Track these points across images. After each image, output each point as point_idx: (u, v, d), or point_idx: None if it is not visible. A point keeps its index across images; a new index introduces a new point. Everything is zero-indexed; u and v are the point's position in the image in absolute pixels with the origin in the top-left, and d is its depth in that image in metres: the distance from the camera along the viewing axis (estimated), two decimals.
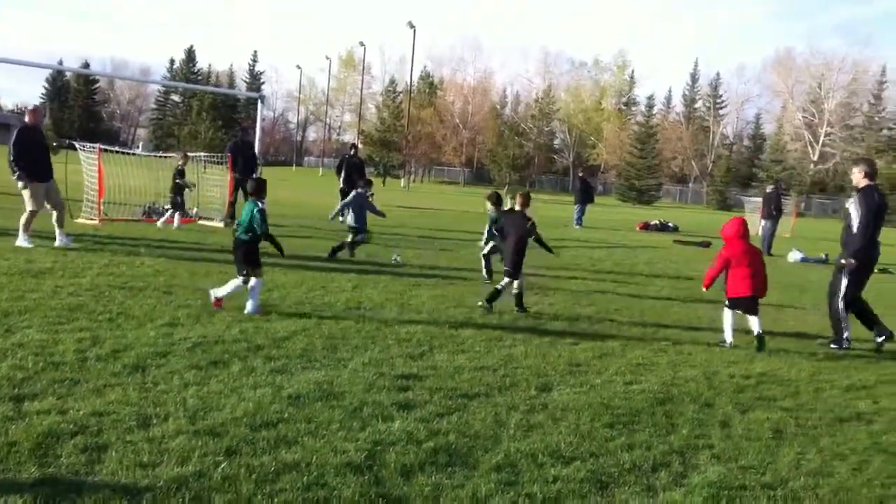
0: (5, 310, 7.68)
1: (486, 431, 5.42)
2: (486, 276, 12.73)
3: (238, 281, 8.80)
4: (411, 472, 4.63)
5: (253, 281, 8.77)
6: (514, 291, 10.46)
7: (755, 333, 9.14)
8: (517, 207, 11.28)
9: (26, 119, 13.00)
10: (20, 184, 12.46)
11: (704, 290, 9.90)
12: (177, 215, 16.60)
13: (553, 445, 5.25)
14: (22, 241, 12.09)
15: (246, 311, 8.60)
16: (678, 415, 6.22)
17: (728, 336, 9.31)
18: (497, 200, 12.96)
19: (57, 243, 12.15)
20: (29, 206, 12.36)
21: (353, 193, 14.55)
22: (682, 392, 6.90)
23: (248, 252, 8.91)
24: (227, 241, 14.32)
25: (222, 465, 4.44)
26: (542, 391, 6.55)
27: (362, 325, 8.53)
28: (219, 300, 8.74)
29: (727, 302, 9.47)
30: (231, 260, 9.60)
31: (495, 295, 10.28)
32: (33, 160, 12.46)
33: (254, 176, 19.98)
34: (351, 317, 8.91)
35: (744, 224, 9.58)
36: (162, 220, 16.72)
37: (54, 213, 12.43)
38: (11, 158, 12.36)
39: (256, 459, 4.58)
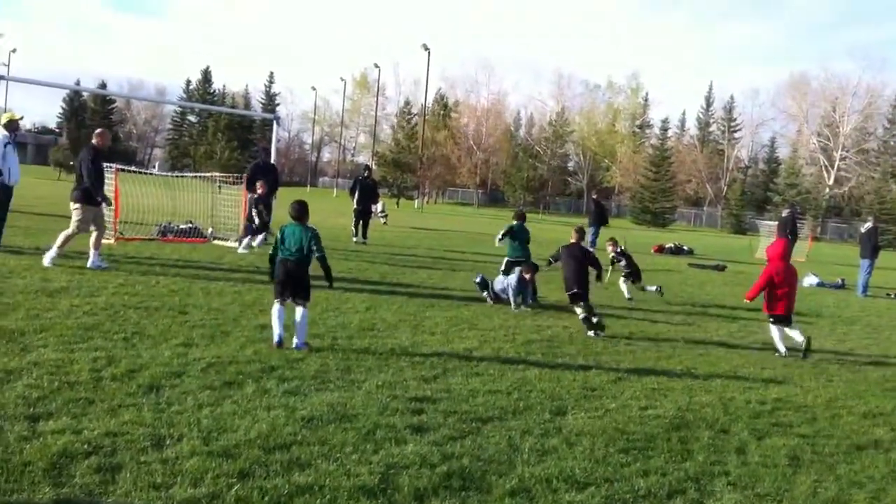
0: (21, 328, 7.71)
1: (500, 456, 5.40)
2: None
3: (279, 308, 8.23)
4: (425, 496, 4.61)
5: (303, 310, 8.27)
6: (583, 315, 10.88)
7: (801, 341, 10.41)
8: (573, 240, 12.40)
9: (95, 142, 13.03)
10: (77, 205, 12.51)
11: (747, 300, 11.18)
12: (257, 238, 16.70)
13: (567, 470, 5.22)
14: (49, 260, 12.14)
15: (295, 344, 8.11)
16: (694, 441, 6.18)
17: (781, 347, 10.46)
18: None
19: (89, 264, 12.15)
20: (73, 228, 12.44)
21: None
22: (698, 418, 6.86)
23: (302, 277, 8.37)
24: (240, 262, 14.39)
25: (235, 488, 4.43)
26: (556, 415, 6.52)
27: (376, 346, 8.52)
28: (280, 342, 8.09)
29: (770, 318, 10.76)
30: (244, 279, 9.62)
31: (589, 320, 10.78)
32: (101, 183, 12.75)
33: (273, 197, 20.12)
34: (365, 338, 8.91)
35: (787, 246, 11.14)
36: (245, 242, 16.70)
37: (94, 234, 12.44)
38: (88, 182, 12.44)
39: (270, 482, 4.57)
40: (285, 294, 8.27)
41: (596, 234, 29.79)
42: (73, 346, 7.27)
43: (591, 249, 28.29)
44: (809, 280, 22.05)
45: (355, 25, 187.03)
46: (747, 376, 8.87)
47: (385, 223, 33.02)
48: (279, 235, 8.44)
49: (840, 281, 22.23)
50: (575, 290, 11.28)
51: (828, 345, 11.77)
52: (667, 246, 32.13)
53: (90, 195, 12.51)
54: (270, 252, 8.67)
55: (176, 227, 18.26)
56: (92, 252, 12.31)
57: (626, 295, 14.49)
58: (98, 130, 13.69)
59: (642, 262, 24.47)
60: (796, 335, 10.58)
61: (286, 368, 7.20)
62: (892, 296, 20.51)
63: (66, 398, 5.69)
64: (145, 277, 11.71)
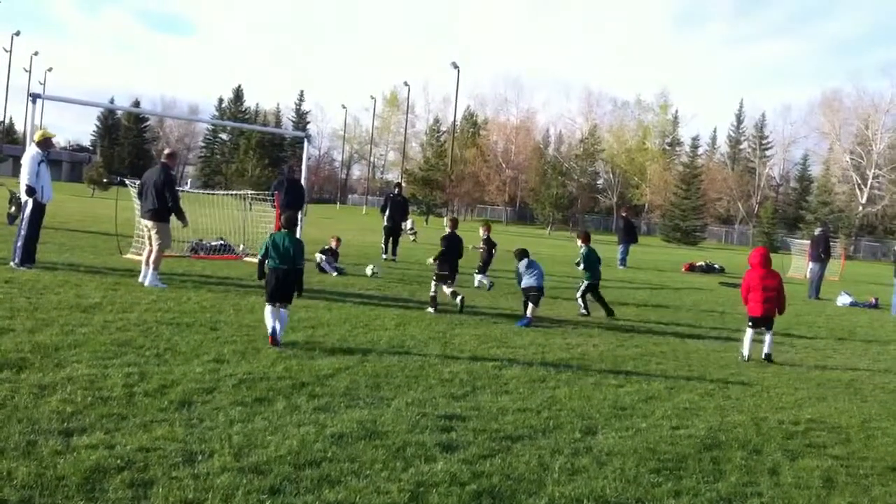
0: (56, 344, 7.80)
1: (530, 475, 5.38)
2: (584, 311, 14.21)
3: (271, 309, 8.99)
4: None
5: (282, 312, 9.10)
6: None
7: (765, 352, 10.98)
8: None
9: (166, 161, 13.54)
10: (157, 224, 12.83)
11: (746, 304, 11.43)
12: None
13: (598, 490, 5.19)
14: (155, 281, 12.45)
15: (277, 348, 8.73)
16: (726, 461, 6.12)
17: (745, 351, 11.02)
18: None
19: (148, 282, 12.43)
20: (159, 244, 12.75)
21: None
22: (730, 438, 6.79)
23: (290, 284, 9.19)
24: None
25: None
26: (586, 434, 6.49)
27: (405, 363, 8.53)
28: (275, 335, 8.85)
29: (749, 321, 11.19)
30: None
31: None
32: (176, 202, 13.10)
33: (301, 214, 20.23)
34: (394, 355, 8.92)
35: (766, 253, 11.41)
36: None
37: (152, 251, 12.72)
38: (174, 202, 12.94)
39: (300, 499, 4.58)
40: (274, 300, 9.00)
41: (626, 252, 29.68)
42: (106, 361, 7.34)
43: (622, 267, 28.28)
44: (842, 299, 21.80)
45: (385, 44, 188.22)
46: (780, 396, 8.78)
47: (415, 240, 33.12)
48: (270, 242, 9.18)
49: (873, 300, 21.94)
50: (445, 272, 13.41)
51: (861, 365, 11.62)
52: (697, 264, 31.93)
53: (163, 213, 12.89)
54: (260, 256, 9.35)
55: (207, 245, 18.41)
56: (150, 270, 12.49)
57: (476, 284, 15.54)
58: (168, 151, 14.20)
59: (672, 280, 24.34)
60: (766, 346, 11.07)
61: (316, 385, 7.22)
62: None
63: (99, 413, 5.75)
64: (177, 294, 11.82)
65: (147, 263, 12.65)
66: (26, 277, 11.92)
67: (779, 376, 9.98)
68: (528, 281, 13.03)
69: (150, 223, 12.92)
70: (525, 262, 13.46)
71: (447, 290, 13.47)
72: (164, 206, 12.85)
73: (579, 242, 15.15)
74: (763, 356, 10.98)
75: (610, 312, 14.26)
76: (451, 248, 13.86)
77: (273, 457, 5.20)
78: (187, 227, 13.76)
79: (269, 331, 8.85)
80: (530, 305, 12.64)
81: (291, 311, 9.68)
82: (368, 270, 14.39)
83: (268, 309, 9.01)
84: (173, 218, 13.10)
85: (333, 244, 17.89)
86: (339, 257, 17.90)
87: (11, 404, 5.76)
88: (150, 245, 12.80)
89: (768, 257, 11.40)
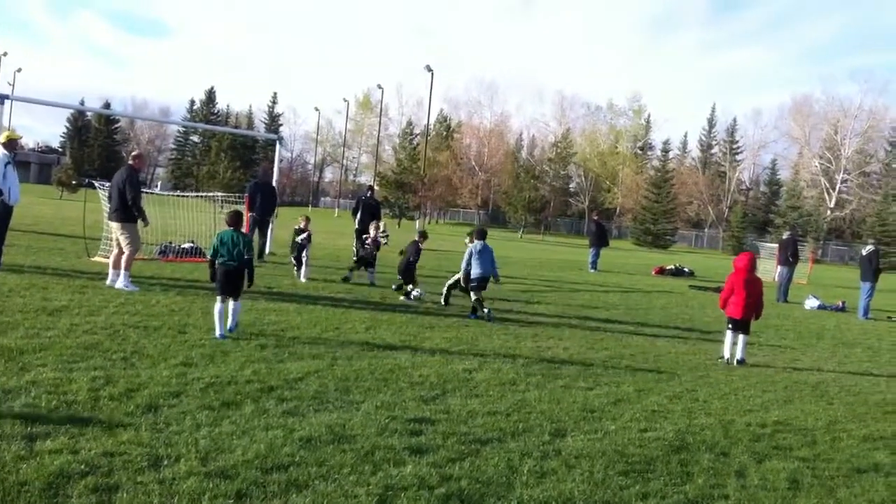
0: (20, 347, 7.70)
1: (499, 478, 5.38)
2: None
3: (220, 306, 9.46)
4: None
5: (235, 304, 9.70)
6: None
7: (738, 359, 11.14)
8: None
9: (132, 163, 13.35)
10: (124, 224, 12.71)
11: (721, 309, 11.68)
12: (303, 270, 16.50)
13: (566, 493, 5.20)
14: (126, 283, 12.31)
15: (228, 328, 9.54)
16: (693, 463, 6.16)
17: (726, 353, 11.28)
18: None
19: (118, 285, 12.31)
20: (130, 247, 12.60)
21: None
22: (698, 440, 6.83)
23: (239, 279, 9.78)
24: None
25: None
26: (555, 437, 6.50)
27: (375, 367, 8.51)
28: (224, 336, 9.33)
29: (728, 323, 11.38)
30: (243, 297, 9.65)
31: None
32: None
33: (273, 216, 20.15)
34: (364, 358, 8.90)
35: (753, 259, 11.73)
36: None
37: (116, 253, 12.64)
38: (134, 201, 12.74)
39: (267, 503, 4.55)
40: (225, 294, 9.53)
41: (597, 255, 29.80)
42: (72, 365, 7.25)
43: (593, 270, 28.39)
44: (810, 303, 22.03)
45: (359, 46, 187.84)
46: (747, 398, 8.85)
47: (386, 244, 33.01)
48: (217, 241, 9.75)
49: (841, 303, 22.19)
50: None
51: (828, 367, 11.75)
52: (668, 267, 32.13)
53: (129, 213, 12.75)
54: (210, 255, 9.84)
55: (177, 247, 18.25)
56: (122, 272, 12.39)
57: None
58: (135, 153, 14.05)
59: (642, 283, 24.47)
60: (739, 351, 11.21)
61: (285, 388, 7.18)
62: (893, 319, 20.48)
63: (63, 417, 5.68)
64: (145, 297, 11.71)
65: (114, 266, 12.53)
66: None
67: (746, 379, 10.06)
68: (476, 270, 13.40)
69: (115, 224, 12.82)
70: (479, 244, 13.68)
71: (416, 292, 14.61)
72: (127, 207, 12.74)
73: (467, 240, 14.41)
74: (736, 360, 11.11)
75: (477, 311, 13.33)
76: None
77: (240, 461, 5.16)
78: (148, 226, 13.58)
79: (218, 332, 9.29)
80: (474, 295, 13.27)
81: (261, 314, 9.63)
82: (416, 292, 14.01)
83: (217, 308, 9.41)
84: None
85: (303, 223, 17.36)
86: (311, 237, 17.42)
87: None
88: (118, 248, 12.67)
89: (755, 263, 11.75)
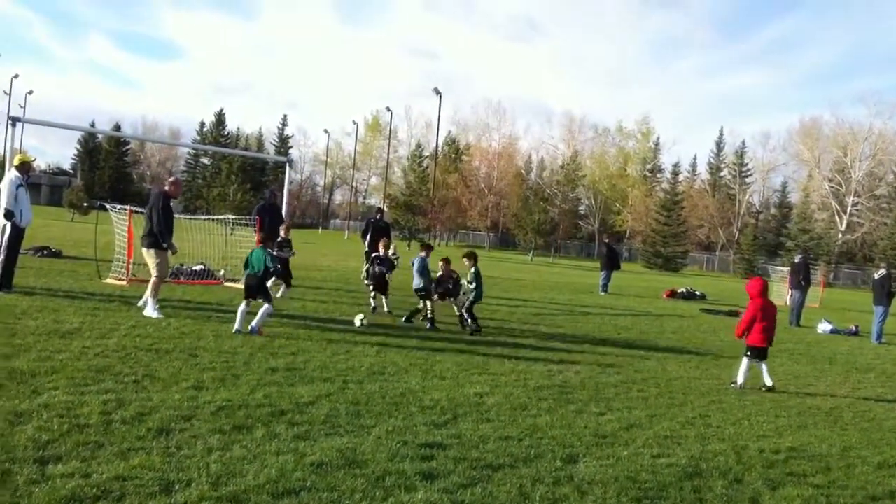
0: (33, 370, 7.72)
1: None
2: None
3: (243, 306, 11.59)
4: None
5: (265, 306, 11.63)
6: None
7: (767, 385, 11.06)
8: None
9: (167, 188, 13.10)
10: (151, 251, 12.61)
11: (737, 337, 11.74)
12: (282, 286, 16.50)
13: None
14: (152, 311, 12.16)
15: (249, 326, 11.34)
16: (707, 490, 6.11)
17: (740, 379, 11.16)
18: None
19: (146, 312, 12.18)
20: (157, 273, 12.49)
21: (416, 258, 14.94)
22: (711, 467, 6.78)
23: (261, 285, 11.91)
24: (252, 304, 14.40)
25: None
26: (567, 463, 6.46)
27: (386, 390, 8.49)
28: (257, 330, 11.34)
29: (747, 351, 11.40)
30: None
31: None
32: (170, 230, 12.80)
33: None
34: (375, 382, 8.88)
35: (766, 283, 11.91)
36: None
37: (153, 280, 12.50)
38: (159, 228, 12.57)
39: None
40: (248, 297, 11.79)
41: (608, 279, 29.74)
42: (83, 388, 7.26)
43: (603, 293, 28.33)
44: (823, 327, 21.91)
45: (368, 69, 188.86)
46: (761, 424, 8.78)
47: (396, 266, 33.01)
48: (249, 256, 12.07)
49: (854, 328, 22.08)
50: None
51: (842, 392, 11.67)
52: (679, 290, 32.03)
53: (156, 240, 12.61)
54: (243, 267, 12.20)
55: (188, 269, 18.30)
56: (149, 300, 12.30)
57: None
58: (172, 179, 13.74)
59: (653, 307, 24.38)
60: (766, 378, 11.17)
61: (296, 412, 7.17)
62: None
63: (75, 441, 5.67)
64: (157, 319, 11.72)
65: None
66: (3, 302, 11.83)
67: (759, 404, 9.99)
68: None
69: (145, 251, 12.72)
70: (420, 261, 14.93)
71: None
72: (153, 233, 12.57)
73: (467, 262, 14.93)
74: (767, 387, 11.04)
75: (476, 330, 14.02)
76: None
77: (251, 486, 5.14)
78: (175, 254, 13.57)
79: (236, 325, 11.35)
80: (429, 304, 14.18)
81: (272, 337, 9.64)
82: (357, 321, 14.02)
83: (241, 306, 11.58)
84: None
85: (283, 233, 17.14)
86: (291, 245, 17.31)
87: None
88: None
89: (767, 288, 11.89)
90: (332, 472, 5.61)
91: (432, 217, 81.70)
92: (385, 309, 15.48)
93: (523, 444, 6.90)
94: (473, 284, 14.43)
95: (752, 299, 11.49)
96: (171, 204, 13.08)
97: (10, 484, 4.77)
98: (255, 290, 11.84)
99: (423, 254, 15.35)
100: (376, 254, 16.89)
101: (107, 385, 7.47)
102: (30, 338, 9.34)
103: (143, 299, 12.57)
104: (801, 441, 8.14)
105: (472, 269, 14.53)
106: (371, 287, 16.08)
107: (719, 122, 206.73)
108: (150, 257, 12.65)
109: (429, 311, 14.38)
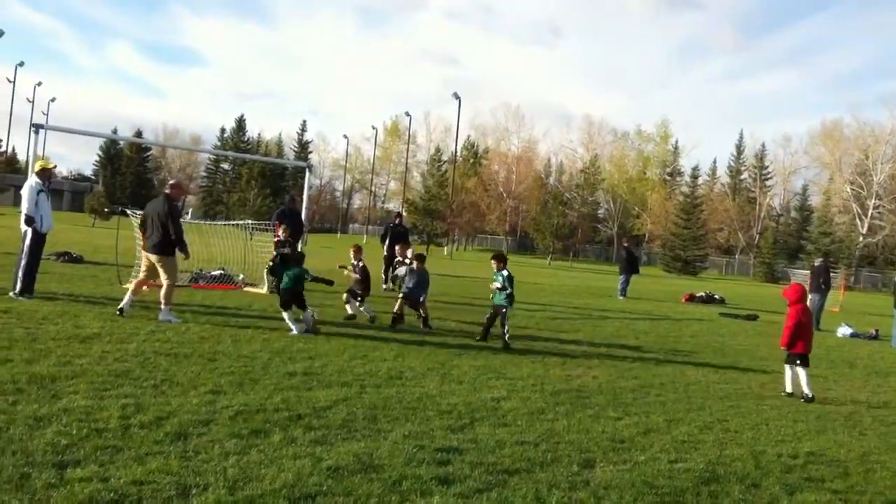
0: (53, 374, 7.79)
1: None
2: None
3: (286, 314, 12.35)
4: None
5: (304, 314, 12.39)
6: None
7: (806, 395, 10.73)
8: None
9: (170, 193, 13.11)
10: (162, 257, 12.60)
11: (783, 347, 11.36)
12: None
13: None
14: (168, 316, 12.23)
15: (293, 333, 11.92)
16: (724, 495, 6.07)
17: (788, 387, 11.10)
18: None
19: (161, 318, 12.21)
20: (169, 279, 12.53)
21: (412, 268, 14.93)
22: (728, 472, 6.75)
23: (296, 297, 12.54)
24: (270, 309, 14.48)
25: None
26: (584, 468, 6.44)
27: (403, 395, 8.50)
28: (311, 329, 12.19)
29: (797, 359, 11.10)
30: (274, 325, 9.71)
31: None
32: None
33: (300, 243, 20.25)
34: (392, 386, 8.90)
35: (804, 289, 11.72)
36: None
37: (165, 288, 12.52)
38: (178, 236, 12.66)
39: None
40: (284, 307, 12.48)
41: (626, 283, 29.64)
42: (102, 392, 7.32)
43: (622, 297, 28.24)
44: (843, 330, 21.74)
45: (387, 74, 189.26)
46: (779, 429, 8.73)
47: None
48: (282, 272, 12.84)
49: (874, 332, 21.89)
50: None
51: (861, 397, 11.58)
52: (698, 294, 31.90)
53: (169, 246, 12.63)
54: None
55: (207, 274, 18.41)
56: (163, 306, 12.34)
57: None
58: (172, 182, 13.69)
59: (672, 311, 24.28)
60: (806, 388, 10.84)
61: (313, 417, 7.20)
62: None
63: (94, 445, 5.72)
64: (175, 324, 11.80)
65: (134, 293, 12.52)
66: (25, 307, 11.94)
67: (777, 409, 9.93)
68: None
69: (155, 257, 12.65)
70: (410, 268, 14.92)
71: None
72: (168, 240, 12.60)
73: (495, 264, 13.81)
74: (808, 397, 10.73)
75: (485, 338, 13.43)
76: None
77: (268, 490, 5.16)
78: (188, 259, 13.68)
79: (294, 330, 12.07)
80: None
81: (291, 341, 9.69)
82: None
83: (287, 315, 12.38)
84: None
85: (282, 235, 16.64)
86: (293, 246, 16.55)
87: (6, 436, 5.74)
88: (145, 276, 12.73)
89: (806, 294, 11.79)
90: (348, 476, 5.63)
91: (451, 222, 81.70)
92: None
93: (540, 448, 6.89)
94: (508, 290, 13.50)
95: (792, 305, 11.33)
96: (175, 207, 13.16)
97: (28, 488, 4.81)
98: (292, 301, 12.47)
99: (418, 264, 15.04)
100: (398, 260, 16.86)
101: (126, 389, 7.53)
102: (50, 342, 9.43)
103: (126, 301, 12.35)
104: (820, 446, 8.08)
105: (505, 273, 13.65)
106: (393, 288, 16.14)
107: (739, 124, 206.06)
108: (160, 263, 12.64)
109: (421, 313, 14.51)
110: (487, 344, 13.06)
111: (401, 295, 14.73)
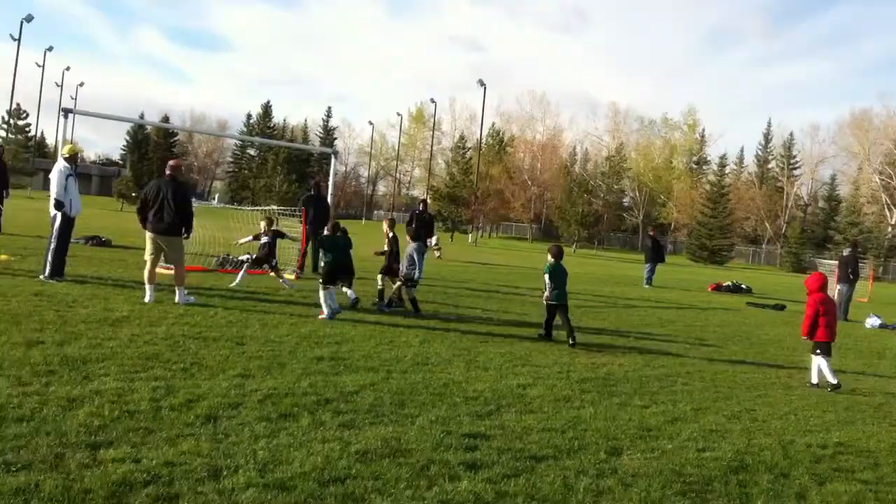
0: (84, 357, 7.88)
1: (555, 495, 5.34)
2: None
3: (323, 292, 12.23)
4: None
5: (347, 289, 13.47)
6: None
7: (832, 384, 10.69)
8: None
9: (170, 173, 12.84)
10: (174, 238, 12.64)
11: (804, 338, 11.33)
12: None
13: None
14: (186, 297, 12.36)
15: (323, 317, 12.02)
16: (752, 485, 6.05)
17: (814, 378, 10.98)
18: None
19: (178, 300, 12.28)
20: (181, 261, 12.69)
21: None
22: (757, 461, 6.72)
23: (345, 269, 13.14)
24: (297, 294, 14.55)
25: None
26: (611, 455, 6.44)
27: (430, 381, 8.52)
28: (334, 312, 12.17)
29: (817, 348, 11.03)
30: (300, 311, 9.74)
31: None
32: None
33: (326, 228, 20.32)
34: (419, 372, 8.92)
35: (825, 278, 11.55)
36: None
37: (179, 270, 12.63)
38: (188, 216, 12.75)
39: None
40: (331, 282, 12.48)
41: (652, 271, 29.52)
42: (133, 375, 7.40)
43: (648, 286, 28.12)
44: (871, 321, 21.53)
45: (412, 61, 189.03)
46: (807, 419, 8.68)
47: (439, 257, 33.13)
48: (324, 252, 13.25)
49: None
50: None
51: (891, 388, 11.48)
52: (724, 284, 31.70)
53: (180, 228, 12.64)
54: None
55: (234, 259, 18.50)
56: (178, 288, 12.41)
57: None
58: (172, 162, 13.30)
59: (698, 300, 24.15)
60: (830, 377, 10.80)
61: (341, 401, 7.23)
62: None
63: (126, 427, 5.79)
64: (204, 308, 11.89)
65: (150, 282, 12.30)
66: (55, 290, 12.06)
67: (806, 399, 9.87)
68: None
69: (165, 238, 12.49)
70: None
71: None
72: (178, 221, 12.52)
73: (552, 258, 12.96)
74: (834, 386, 10.70)
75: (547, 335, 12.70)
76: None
77: (298, 473, 5.20)
78: (189, 240, 13.58)
79: (327, 312, 12.12)
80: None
81: (317, 326, 9.73)
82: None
83: (322, 293, 12.19)
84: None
85: (263, 226, 16.48)
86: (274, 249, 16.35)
87: (39, 416, 5.81)
88: (151, 263, 12.45)
89: (827, 283, 11.58)
90: (376, 460, 5.66)
91: (475, 209, 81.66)
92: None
93: (566, 435, 6.89)
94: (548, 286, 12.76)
95: (811, 294, 11.27)
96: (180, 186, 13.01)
97: (63, 468, 4.87)
98: (337, 276, 12.89)
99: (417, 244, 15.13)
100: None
101: (156, 372, 7.60)
102: (81, 325, 9.53)
103: (149, 294, 12.22)
104: (849, 436, 8.03)
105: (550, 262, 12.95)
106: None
107: (767, 113, 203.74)
108: (174, 246, 12.63)
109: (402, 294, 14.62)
110: (512, 332, 13.06)
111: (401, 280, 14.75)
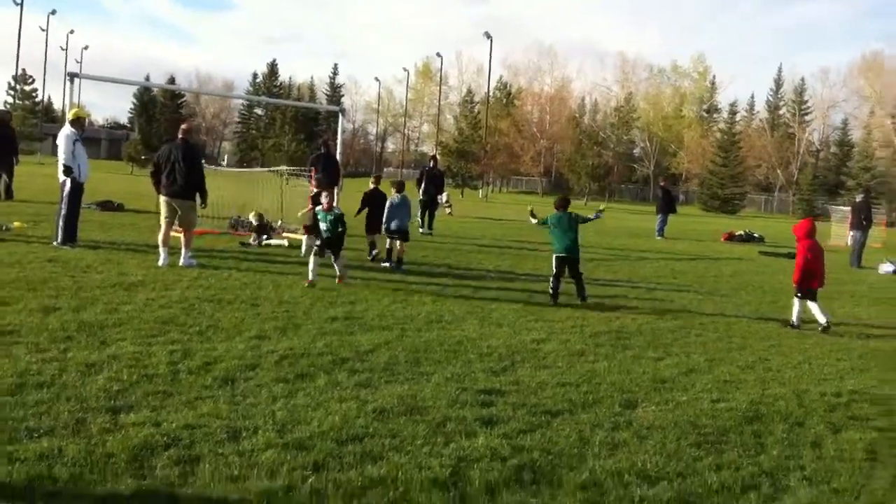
0: (100, 322, 7.94)
1: (571, 449, 5.39)
2: None
3: (312, 258, 11.60)
4: (496, 489, 4.62)
5: (338, 259, 11.96)
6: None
7: (823, 322, 10.95)
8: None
9: (184, 136, 13.02)
10: (187, 202, 12.69)
11: (795, 284, 11.38)
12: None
13: (639, 465, 5.19)
14: (190, 260, 12.44)
15: (310, 279, 11.36)
16: (767, 434, 6.09)
17: (795, 320, 11.16)
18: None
19: (183, 262, 12.35)
20: (192, 223, 12.80)
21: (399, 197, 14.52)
22: (772, 411, 6.75)
23: (338, 241, 11.96)
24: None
25: (310, 480, 4.51)
26: (626, 408, 6.48)
27: (444, 338, 8.57)
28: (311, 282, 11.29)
29: (798, 293, 11.29)
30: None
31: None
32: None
33: (337, 188, 20.32)
34: (433, 330, 8.97)
35: (813, 224, 11.66)
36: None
37: (189, 234, 12.67)
38: (202, 181, 12.84)
39: (343, 474, 4.64)
40: (322, 252, 11.80)
41: (664, 222, 29.45)
42: (150, 339, 7.46)
43: (660, 237, 28.07)
44: (885, 267, 21.45)
45: (417, 15, 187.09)
46: (821, 367, 8.70)
47: (450, 213, 33.13)
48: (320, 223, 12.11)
49: None
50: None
51: None
52: (737, 233, 31.61)
53: (192, 191, 12.67)
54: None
55: (246, 221, 18.53)
56: (184, 251, 12.47)
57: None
58: (184, 126, 13.49)
59: (711, 250, 24.11)
60: (819, 316, 11.06)
61: (356, 360, 7.29)
62: None
63: (145, 391, 5.85)
64: (218, 271, 11.94)
65: (164, 245, 12.38)
66: (69, 256, 12.13)
67: (820, 347, 9.88)
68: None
69: (178, 201, 12.57)
70: (398, 197, 14.48)
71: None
72: (191, 184, 12.59)
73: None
74: (823, 326, 10.96)
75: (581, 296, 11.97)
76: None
77: (316, 432, 5.26)
78: (205, 208, 13.63)
79: (311, 276, 11.40)
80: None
81: (332, 286, 9.77)
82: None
83: (313, 259, 11.55)
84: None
85: (254, 220, 17.02)
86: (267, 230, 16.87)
87: (60, 382, 5.88)
88: (168, 227, 12.56)
89: (814, 228, 11.61)
90: (393, 418, 5.72)
91: (485, 164, 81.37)
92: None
93: (581, 389, 6.94)
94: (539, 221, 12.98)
95: (799, 241, 11.51)
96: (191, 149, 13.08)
97: (85, 432, 4.94)
98: (328, 247, 11.87)
99: (402, 193, 14.58)
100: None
101: (172, 336, 7.66)
102: (96, 290, 9.59)
103: (163, 258, 12.34)
104: (864, 384, 8.04)
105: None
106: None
107: (778, 58, 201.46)
108: (184, 208, 12.64)
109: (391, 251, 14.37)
110: (525, 287, 13.09)
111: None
